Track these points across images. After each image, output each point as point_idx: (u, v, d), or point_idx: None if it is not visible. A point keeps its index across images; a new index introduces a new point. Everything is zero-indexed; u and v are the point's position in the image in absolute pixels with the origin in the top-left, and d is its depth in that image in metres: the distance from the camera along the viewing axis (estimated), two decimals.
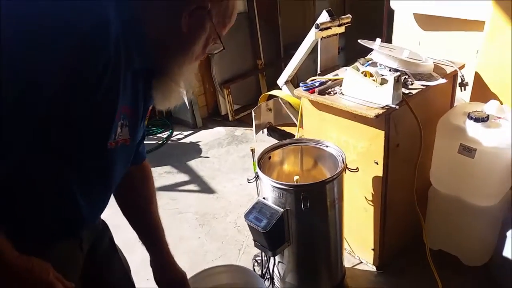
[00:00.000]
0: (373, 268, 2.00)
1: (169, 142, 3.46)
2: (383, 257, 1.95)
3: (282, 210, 1.50)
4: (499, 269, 1.75)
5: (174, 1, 0.80)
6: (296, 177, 1.66)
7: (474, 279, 1.85)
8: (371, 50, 1.84)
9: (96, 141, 0.81)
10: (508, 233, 1.65)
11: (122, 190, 1.09)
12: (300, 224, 1.56)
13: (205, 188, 2.77)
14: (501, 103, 1.74)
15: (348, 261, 2.05)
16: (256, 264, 1.85)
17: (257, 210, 1.54)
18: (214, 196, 2.69)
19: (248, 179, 1.66)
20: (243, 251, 2.21)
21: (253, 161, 1.68)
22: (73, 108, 0.72)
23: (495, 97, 1.82)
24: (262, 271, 1.77)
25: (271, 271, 1.74)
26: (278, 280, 1.77)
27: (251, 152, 1.76)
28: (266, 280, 1.79)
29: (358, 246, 2.02)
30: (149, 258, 1.24)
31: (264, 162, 1.66)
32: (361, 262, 2.04)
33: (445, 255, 1.91)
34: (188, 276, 1.64)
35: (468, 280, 1.85)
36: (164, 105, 0.93)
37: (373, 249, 1.94)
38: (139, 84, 0.87)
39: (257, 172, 1.60)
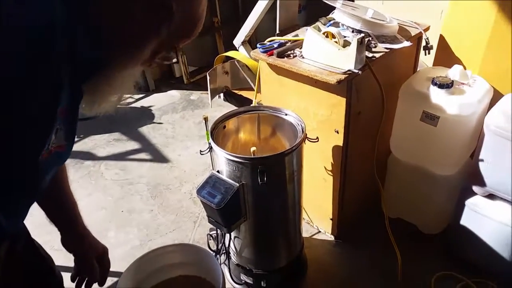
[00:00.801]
0: (331, 238, 1.97)
1: (118, 106, 3.20)
2: (342, 226, 1.92)
3: (237, 184, 1.38)
4: (456, 237, 1.76)
5: None
6: (253, 149, 1.54)
7: (431, 247, 1.86)
8: (334, 8, 1.70)
9: (26, 155, 0.67)
10: (466, 202, 1.64)
11: None
12: (257, 198, 1.45)
13: (158, 157, 2.60)
14: (465, 68, 1.67)
15: (306, 231, 2.00)
16: (211, 238, 1.76)
17: (211, 184, 1.42)
18: (167, 165, 2.53)
19: (200, 151, 1.52)
20: (198, 224, 2.10)
21: (206, 130, 1.54)
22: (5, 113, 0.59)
23: (459, 61, 1.75)
24: (217, 246, 1.68)
25: (226, 246, 1.65)
26: (234, 254, 1.69)
27: (203, 120, 1.61)
28: (222, 254, 1.71)
29: (317, 216, 1.97)
30: (61, 237, 1.11)
31: (218, 131, 1.52)
32: (319, 232, 2.00)
33: (404, 224, 1.90)
34: (138, 254, 1.53)
35: (426, 248, 1.86)
36: (91, 109, 0.79)
37: (331, 219, 1.90)
38: (77, 81, 0.71)
39: (210, 143, 1.46)
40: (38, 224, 1.05)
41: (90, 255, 1.13)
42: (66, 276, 1.89)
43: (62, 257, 1.93)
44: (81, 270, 1.14)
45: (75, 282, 1.16)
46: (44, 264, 1.07)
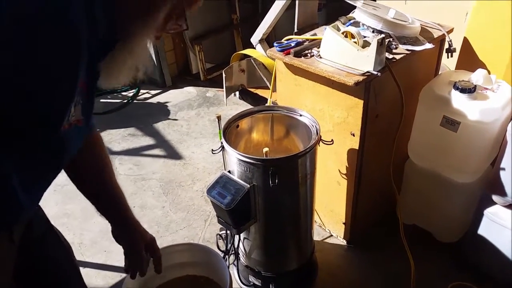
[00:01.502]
0: (344, 242, 1.93)
1: (135, 101, 3.21)
2: (354, 231, 1.87)
3: (248, 186, 1.36)
4: (473, 247, 1.70)
5: None
6: (265, 149, 1.51)
7: (446, 256, 1.80)
8: (355, 7, 1.65)
9: (50, 123, 0.69)
10: (485, 211, 1.58)
11: (73, 165, 0.99)
12: (268, 201, 1.43)
13: (172, 154, 2.60)
14: (489, 72, 1.61)
15: (318, 234, 1.97)
16: (220, 238, 1.74)
17: (221, 185, 1.40)
18: (181, 162, 2.52)
19: (212, 150, 1.51)
20: (209, 222, 2.09)
21: (219, 129, 1.52)
22: (31, 77, 0.61)
23: (483, 65, 1.68)
24: (226, 246, 1.66)
25: (235, 247, 1.63)
26: (243, 255, 1.67)
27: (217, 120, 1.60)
28: (231, 255, 1.69)
29: (329, 220, 1.93)
30: (111, 229, 1.13)
31: (231, 130, 1.50)
32: (331, 236, 1.97)
33: (419, 231, 1.85)
34: None
35: (441, 257, 1.80)
36: (111, 81, 0.81)
37: (344, 223, 1.86)
38: (95, 55, 0.73)
39: (222, 142, 1.44)
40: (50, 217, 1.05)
41: (140, 246, 1.14)
42: None
43: (73, 250, 1.95)
44: (132, 262, 1.16)
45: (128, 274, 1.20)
46: (64, 252, 1.08)
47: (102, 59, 0.77)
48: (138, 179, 2.40)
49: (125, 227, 1.12)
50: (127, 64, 0.79)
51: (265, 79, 2.76)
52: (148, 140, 2.74)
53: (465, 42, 1.72)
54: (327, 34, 1.50)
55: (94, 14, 0.68)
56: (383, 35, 1.45)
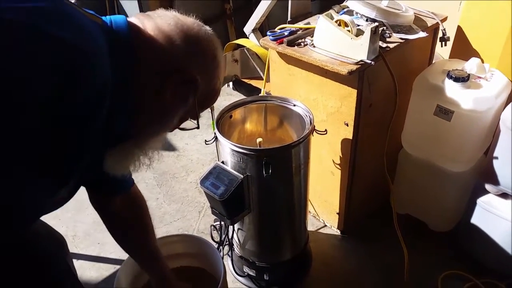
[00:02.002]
0: (338, 232, 1.93)
1: None
2: (348, 221, 1.88)
3: (241, 176, 1.35)
4: (466, 236, 1.71)
5: (165, 68, 0.77)
6: (259, 140, 1.50)
7: (440, 245, 1.81)
8: None
9: (38, 198, 0.71)
10: (478, 200, 1.59)
11: (115, 225, 1.12)
12: (262, 191, 1.42)
13: (165, 145, 2.58)
14: (483, 61, 1.60)
15: (312, 224, 1.97)
16: (214, 229, 1.73)
17: (214, 175, 1.39)
18: (174, 154, 2.51)
19: (206, 141, 1.50)
20: (203, 214, 2.08)
21: (212, 120, 1.50)
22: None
23: (476, 54, 1.67)
24: (220, 237, 1.65)
25: (229, 237, 1.63)
26: (237, 246, 1.66)
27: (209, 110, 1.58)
28: (225, 246, 1.68)
29: (323, 210, 1.93)
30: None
31: (224, 121, 1.49)
32: (325, 226, 1.97)
33: (412, 220, 1.86)
34: None
35: (434, 246, 1.81)
36: (117, 170, 0.85)
37: (338, 213, 1.86)
38: (101, 148, 0.79)
39: (215, 133, 1.43)
40: None
41: None
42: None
43: (67, 242, 1.93)
44: None
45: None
46: (56, 246, 1.09)
47: (110, 149, 0.81)
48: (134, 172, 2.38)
49: (161, 281, 1.24)
50: (135, 157, 0.83)
51: (258, 69, 2.74)
52: None
53: (459, 31, 1.71)
54: (321, 23, 1.48)
55: (114, 124, 0.74)
56: (376, 24, 1.44)
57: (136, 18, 0.80)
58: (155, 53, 0.76)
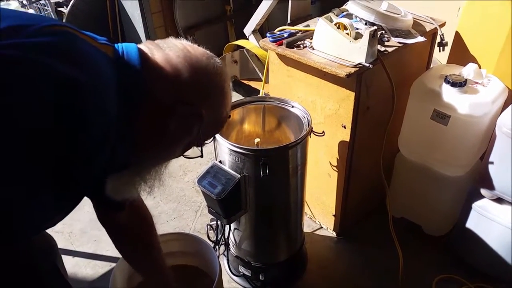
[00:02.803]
0: (333, 234, 1.94)
1: None
2: (344, 223, 1.88)
3: (239, 176, 1.36)
4: (461, 240, 1.72)
5: (171, 101, 0.77)
6: (256, 140, 1.51)
7: (435, 248, 1.82)
8: (348, 0, 1.65)
9: (35, 219, 0.72)
10: (473, 205, 1.60)
11: (119, 238, 1.12)
12: (259, 191, 1.43)
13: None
14: (480, 67, 1.61)
15: (308, 226, 1.98)
16: (210, 229, 1.74)
17: (212, 175, 1.39)
18: None
19: None
20: (200, 213, 2.09)
21: None
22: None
23: (474, 60, 1.69)
24: (217, 237, 1.66)
25: (226, 237, 1.63)
26: (233, 246, 1.67)
27: None
28: (221, 245, 1.69)
29: (319, 212, 1.94)
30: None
31: None
32: (321, 228, 1.98)
33: (408, 224, 1.87)
34: None
35: (429, 250, 1.82)
36: (117, 195, 0.86)
37: (334, 215, 1.87)
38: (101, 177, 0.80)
39: None
40: None
41: None
42: (68, 259, 1.89)
43: (63, 239, 1.94)
44: None
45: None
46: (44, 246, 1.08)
47: (112, 174, 0.81)
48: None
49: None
50: (136, 184, 0.84)
51: (257, 70, 2.75)
52: None
53: (457, 36, 1.73)
54: (320, 25, 1.49)
55: (117, 153, 0.74)
56: (375, 27, 1.45)
57: (145, 46, 0.80)
58: (162, 85, 0.76)
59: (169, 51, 0.79)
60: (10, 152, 0.58)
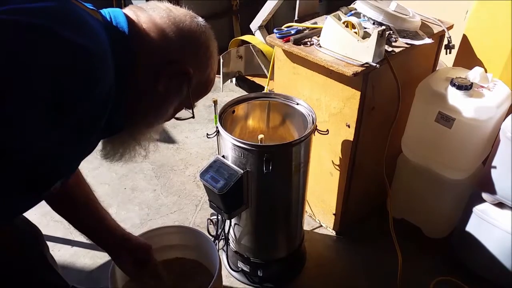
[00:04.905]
0: (333, 233, 1.94)
1: None
2: (344, 222, 1.88)
3: (242, 171, 1.36)
4: (460, 243, 1.72)
5: (158, 61, 0.78)
6: (260, 136, 1.51)
7: (434, 251, 1.82)
8: None
9: (39, 188, 0.74)
10: (474, 209, 1.60)
11: (55, 200, 1.08)
12: (261, 187, 1.43)
13: (165, 138, 2.58)
14: (486, 71, 1.61)
15: (308, 224, 1.98)
16: (211, 223, 1.74)
17: (215, 169, 1.39)
18: (174, 146, 2.51)
19: (207, 134, 1.50)
20: (200, 207, 2.09)
21: (215, 114, 1.51)
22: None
23: (480, 64, 1.69)
24: (217, 231, 1.66)
25: (226, 232, 1.64)
26: (233, 241, 1.67)
27: (213, 104, 1.59)
28: (221, 240, 1.69)
29: (320, 210, 1.94)
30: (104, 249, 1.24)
31: (227, 116, 1.49)
32: (321, 226, 1.98)
33: (408, 225, 1.87)
34: (137, 232, 1.52)
35: (428, 252, 1.82)
36: (113, 158, 0.89)
37: (334, 214, 1.87)
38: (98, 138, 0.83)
39: (217, 127, 1.43)
40: None
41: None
42: (66, 249, 1.89)
43: (62, 229, 1.94)
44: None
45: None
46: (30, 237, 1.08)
47: (105, 138, 0.83)
48: (129, 162, 2.38)
49: (117, 242, 1.20)
50: (130, 147, 0.85)
51: (263, 66, 2.75)
52: None
53: (464, 39, 1.73)
54: (328, 23, 1.49)
55: (112, 118, 0.75)
56: (383, 27, 1.45)
57: (130, 10, 0.81)
58: (149, 47, 0.78)
59: (153, 12, 0.80)
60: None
